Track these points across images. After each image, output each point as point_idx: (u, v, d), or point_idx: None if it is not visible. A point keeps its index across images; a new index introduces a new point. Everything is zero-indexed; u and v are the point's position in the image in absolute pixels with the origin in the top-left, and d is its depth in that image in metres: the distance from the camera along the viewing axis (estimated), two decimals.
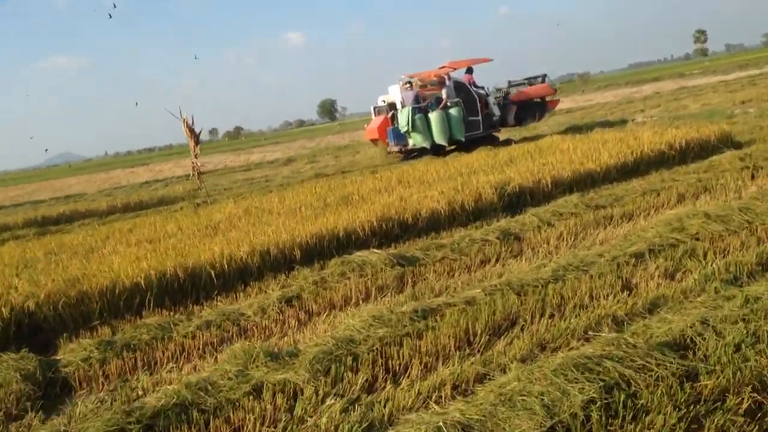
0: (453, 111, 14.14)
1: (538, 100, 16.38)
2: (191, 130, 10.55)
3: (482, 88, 15.75)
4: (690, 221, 5.43)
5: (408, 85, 14.61)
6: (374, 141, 16.54)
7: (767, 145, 8.47)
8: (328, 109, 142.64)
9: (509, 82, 16.69)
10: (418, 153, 14.97)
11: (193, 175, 11.02)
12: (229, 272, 5.73)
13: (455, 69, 15.75)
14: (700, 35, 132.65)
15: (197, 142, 10.73)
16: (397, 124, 14.69)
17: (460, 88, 14.80)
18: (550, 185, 7.64)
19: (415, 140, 14.34)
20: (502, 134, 16.48)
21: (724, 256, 4.69)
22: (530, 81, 16.68)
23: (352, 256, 5.75)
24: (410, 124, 14.02)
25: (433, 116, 14.02)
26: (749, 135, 10.41)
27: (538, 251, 5.71)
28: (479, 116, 14.87)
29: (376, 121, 15.85)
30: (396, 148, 15.25)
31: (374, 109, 16.39)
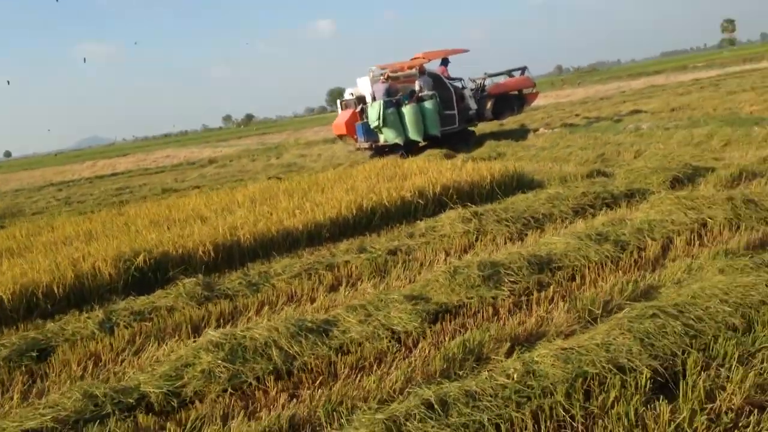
0: (428, 104, 12.73)
1: (517, 92, 15.03)
2: None
3: (458, 80, 14.43)
4: (201, 356, 3.56)
5: (379, 77, 13.20)
6: (341, 137, 15.39)
7: (548, 191, 6.41)
8: (336, 98, 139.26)
9: (485, 73, 15.27)
10: (389, 149, 13.62)
11: None
12: None
13: (429, 60, 14.32)
14: (728, 25, 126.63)
15: None
16: (367, 118, 13.30)
17: (434, 80, 13.38)
18: (211, 252, 5.74)
19: (387, 136, 13.01)
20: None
21: None
22: (510, 73, 15.41)
23: None
24: (381, 119, 12.59)
25: (407, 110, 12.64)
26: (579, 167, 8.35)
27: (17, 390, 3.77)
28: (455, 110, 13.60)
29: (343, 115, 14.55)
30: (365, 145, 13.97)
31: (341, 103, 15.22)
